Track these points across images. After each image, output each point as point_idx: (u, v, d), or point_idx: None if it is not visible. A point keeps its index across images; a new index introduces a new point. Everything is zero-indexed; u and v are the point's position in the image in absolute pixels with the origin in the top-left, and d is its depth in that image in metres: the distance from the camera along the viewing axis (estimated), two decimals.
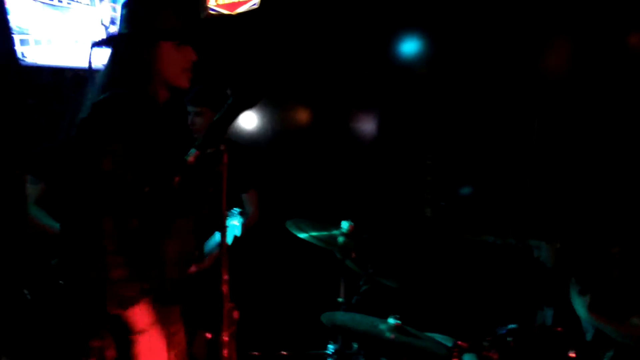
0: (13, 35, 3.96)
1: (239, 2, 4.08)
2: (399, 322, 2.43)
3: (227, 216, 2.83)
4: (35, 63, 3.97)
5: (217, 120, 1.54)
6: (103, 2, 4.01)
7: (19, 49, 3.99)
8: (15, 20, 3.92)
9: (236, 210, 2.88)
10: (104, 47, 1.89)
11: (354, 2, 3.88)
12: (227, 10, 4.09)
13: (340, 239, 2.79)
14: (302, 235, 2.80)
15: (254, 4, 4.03)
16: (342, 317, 2.64)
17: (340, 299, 2.88)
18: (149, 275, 1.76)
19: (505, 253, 3.39)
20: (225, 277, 1.54)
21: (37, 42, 3.94)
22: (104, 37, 2.11)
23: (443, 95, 3.62)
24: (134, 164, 1.69)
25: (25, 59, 4.04)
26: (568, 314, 2.60)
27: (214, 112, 3.20)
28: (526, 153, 3.34)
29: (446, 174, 3.61)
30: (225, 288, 1.54)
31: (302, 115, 4.34)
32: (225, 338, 1.52)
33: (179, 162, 1.60)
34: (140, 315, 1.70)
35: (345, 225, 2.79)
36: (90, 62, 1.85)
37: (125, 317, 1.68)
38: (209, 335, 2.55)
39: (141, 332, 1.69)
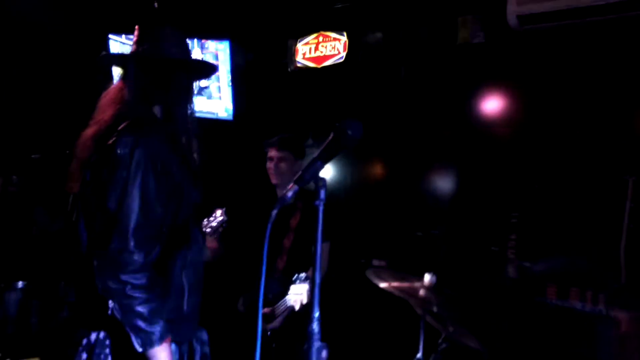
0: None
1: (325, 56, 4.21)
2: None
3: (296, 279, 2.85)
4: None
5: (317, 156, 1.56)
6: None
7: None
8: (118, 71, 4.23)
9: (303, 275, 2.87)
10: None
11: (435, 58, 3.91)
12: (314, 63, 4.23)
13: (422, 292, 2.71)
14: (383, 285, 2.75)
15: (340, 59, 4.15)
16: None
17: (419, 356, 2.77)
18: (169, 308, 1.78)
19: (591, 322, 3.20)
20: (316, 314, 1.51)
21: None
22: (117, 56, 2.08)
23: (530, 152, 3.54)
24: (162, 193, 1.75)
25: None
26: None
27: (296, 157, 3.28)
28: (619, 216, 3.18)
29: (532, 233, 3.47)
30: (315, 325, 1.51)
31: (380, 170, 4.34)
32: None
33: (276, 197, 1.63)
34: (164, 357, 1.72)
35: (427, 277, 2.71)
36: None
37: (148, 356, 1.70)
38: None
39: None
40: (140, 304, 1.68)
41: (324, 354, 1.51)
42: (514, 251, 3.51)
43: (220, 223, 2.64)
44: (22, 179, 4.43)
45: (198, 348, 1.98)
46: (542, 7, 3.13)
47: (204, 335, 2.03)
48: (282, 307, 2.89)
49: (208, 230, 2.61)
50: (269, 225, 1.50)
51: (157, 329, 1.70)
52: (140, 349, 1.70)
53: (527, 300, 3.41)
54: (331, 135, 1.55)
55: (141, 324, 1.68)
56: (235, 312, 3.24)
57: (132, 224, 1.70)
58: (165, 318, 1.74)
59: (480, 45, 3.68)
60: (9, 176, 4.38)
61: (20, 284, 4.25)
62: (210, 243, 2.57)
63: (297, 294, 2.78)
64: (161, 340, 1.71)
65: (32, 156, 4.43)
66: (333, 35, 4.18)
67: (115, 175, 1.73)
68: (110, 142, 1.77)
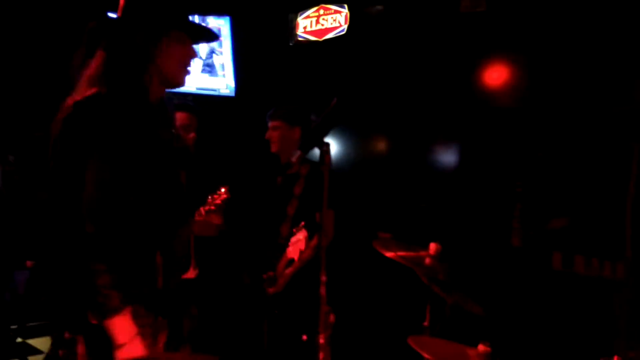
0: None
1: (326, 29, 4.18)
2: (488, 349, 2.32)
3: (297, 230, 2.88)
4: None
5: (321, 122, 1.56)
6: None
7: None
8: None
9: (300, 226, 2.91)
10: (100, 34, 1.76)
11: (438, 30, 3.88)
12: (315, 37, 4.20)
13: (427, 261, 2.72)
14: (389, 254, 2.76)
15: (342, 31, 4.12)
16: (428, 340, 2.56)
17: (425, 324, 2.79)
18: (140, 284, 1.71)
19: (596, 285, 3.21)
20: (324, 279, 1.52)
21: None
22: (102, 22, 1.80)
23: (535, 121, 3.52)
24: (117, 169, 1.63)
25: None
26: None
27: (290, 125, 3.31)
28: (625, 181, 3.17)
29: (537, 202, 3.47)
30: (323, 290, 1.52)
31: (385, 143, 4.34)
32: (322, 340, 1.49)
33: (279, 166, 1.61)
34: (122, 327, 1.63)
35: (433, 246, 2.72)
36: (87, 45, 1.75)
37: (106, 328, 1.61)
38: (304, 337, 2.53)
39: (123, 345, 1.62)
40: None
41: (332, 318, 1.53)
42: (519, 220, 3.51)
43: (224, 201, 2.66)
44: (20, 159, 4.38)
45: (187, 323, 1.97)
46: None
47: (193, 311, 2.02)
48: (282, 263, 2.94)
49: (212, 207, 2.64)
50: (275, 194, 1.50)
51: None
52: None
53: (532, 268, 3.43)
54: (334, 100, 1.55)
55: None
56: (242, 285, 3.28)
57: (88, 200, 1.61)
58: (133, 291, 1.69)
59: (483, 13, 3.65)
60: (5, 156, 4.32)
61: (28, 263, 4.28)
62: (215, 219, 2.59)
63: (295, 243, 2.81)
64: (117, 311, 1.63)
65: (35, 134, 4.41)
66: (334, 7, 4.14)
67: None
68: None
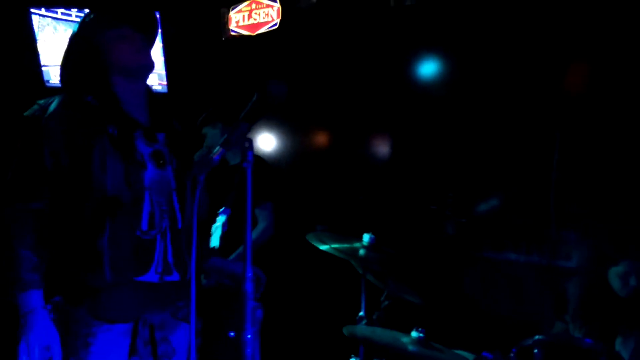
0: (40, 58, 4.10)
1: (259, 23, 4.16)
2: (422, 335, 2.38)
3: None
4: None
5: (242, 118, 1.55)
6: None
7: (46, 72, 4.12)
8: (42, 45, 4.07)
9: (221, 210, 2.93)
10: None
11: (372, 24, 3.92)
12: (248, 31, 4.18)
13: (362, 252, 2.76)
14: (324, 248, 2.78)
15: (274, 25, 4.11)
16: (363, 330, 2.61)
17: (361, 314, 2.84)
18: (84, 276, 1.76)
19: (527, 270, 3.35)
20: (249, 274, 1.52)
21: None
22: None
23: (465, 112, 3.62)
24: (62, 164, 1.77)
25: (50, 80, 4.17)
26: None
27: (226, 126, 3.32)
28: (549, 167, 3.31)
29: (468, 190, 3.58)
30: (248, 286, 1.52)
31: (321, 137, 4.37)
32: (249, 336, 1.49)
33: (203, 159, 1.60)
34: (26, 299, 1.72)
35: (366, 237, 2.76)
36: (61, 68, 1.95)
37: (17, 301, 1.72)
38: (232, 334, 2.53)
39: (28, 313, 1.71)
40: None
41: (258, 313, 1.53)
42: (452, 208, 3.61)
43: None
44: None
45: (146, 332, 1.87)
46: None
47: (155, 319, 1.91)
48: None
49: None
50: (198, 189, 1.49)
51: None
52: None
53: (464, 254, 3.53)
54: (255, 96, 1.55)
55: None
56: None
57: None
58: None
59: (413, 7, 3.71)
60: None
61: None
62: None
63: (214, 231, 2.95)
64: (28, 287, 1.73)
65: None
66: (266, 2, 4.12)
67: None
68: None
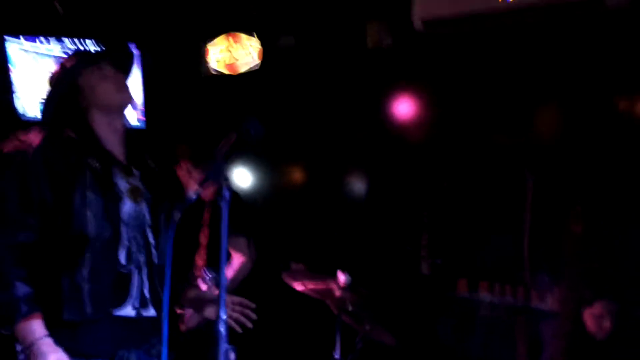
0: (14, 92, 4.03)
1: (240, 64, 4.18)
2: None
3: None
4: (37, 117, 4.02)
5: (217, 155, 1.56)
6: None
7: (20, 104, 4.05)
8: (17, 76, 4.01)
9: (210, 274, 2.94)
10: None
11: (350, 64, 3.99)
12: (229, 71, 4.19)
13: (337, 292, 2.74)
14: (299, 288, 2.76)
15: (255, 66, 4.14)
16: None
17: (336, 356, 2.80)
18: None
19: (501, 311, 3.34)
20: (224, 316, 1.50)
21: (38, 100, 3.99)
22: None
23: (441, 153, 3.67)
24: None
25: (26, 113, 4.09)
26: None
27: (194, 165, 3.30)
28: (522, 211, 3.35)
29: (443, 231, 3.60)
30: (222, 327, 1.49)
31: (298, 174, 4.38)
32: None
33: (179, 198, 1.60)
34: (29, 329, 1.70)
35: (341, 277, 2.75)
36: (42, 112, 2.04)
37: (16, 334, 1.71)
38: None
39: (31, 345, 1.70)
40: None
41: (232, 356, 1.50)
42: (427, 249, 3.61)
43: None
44: None
45: None
46: (442, 12, 3.26)
47: (131, 356, 1.90)
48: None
49: None
50: (172, 229, 1.49)
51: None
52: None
53: (439, 294, 3.52)
54: (234, 135, 1.55)
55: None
56: None
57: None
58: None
59: (389, 49, 3.79)
60: None
61: None
62: None
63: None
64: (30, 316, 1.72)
65: None
66: (244, 37, 4.14)
67: None
68: None
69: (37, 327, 1.72)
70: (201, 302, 2.14)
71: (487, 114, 3.55)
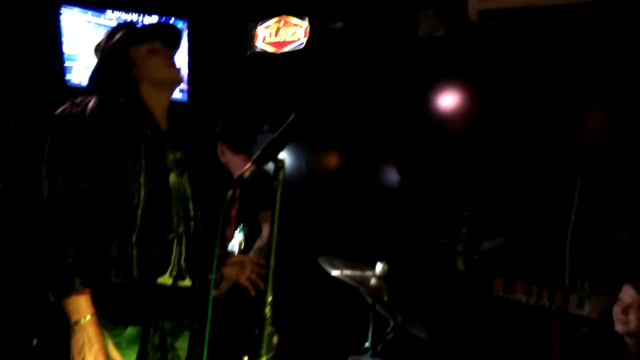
0: (64, 57, 4.10)
1: (285, 42, 4.16)
2: None
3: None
4: (81, 84, 4.08)
5: (277, 137, 1.53)
6: None
7: (72, 73, 4.12)
8: (68, 42, 4.07)
9: (239, 228, 3.01)
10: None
11: (396, 49, 3.91)
12: (274, 48, 4.17)
13: (373, 281, 2.72)
14: (335, 273, 2.74)
15: (300, 45, 4.10)
16: None
17: (367, 344, 2.78)
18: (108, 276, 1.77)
19: (535, 314, 3.29)
20: (269, 299, 1.48)
21: (86, 67, 4.05)
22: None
23: (484, 148, 3.59)
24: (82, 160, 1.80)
25: (71, 79, 4.16)
26: None
27: (235, 152, 3.29)
28: (567, 211, 3.27)
29: (482, 227, 3.53)
30: (267, 310, 1.48)
31: (337, 161, 4.33)
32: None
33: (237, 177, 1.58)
34: (78, 306, 1.71)
35: (379, 266, 2.72)
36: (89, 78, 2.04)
37: (64, 305, 1.71)
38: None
39: (77, 323, 1.70)
40: None
41: (275, 340, 1.48)
42: (464, 244, 3.56)
43: None
44: None
45: (156, 337, 1.88)
46: (501, 3, 3.17)
47: (166, 325, 1.92)
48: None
49: None
50: (227, 206, 1.48)
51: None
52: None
53: (474, 292, 3.47)
54: (292, 115, 1.53)
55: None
56: None
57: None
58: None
59: (441, 38, 3.71)
60: None
61: None
62: None
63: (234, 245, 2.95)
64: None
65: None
66: (294, 20, 4.13)
67: None
68: None
69: (85, 304, 1.72)
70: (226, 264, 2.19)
71: (536, 111, 3.45)
